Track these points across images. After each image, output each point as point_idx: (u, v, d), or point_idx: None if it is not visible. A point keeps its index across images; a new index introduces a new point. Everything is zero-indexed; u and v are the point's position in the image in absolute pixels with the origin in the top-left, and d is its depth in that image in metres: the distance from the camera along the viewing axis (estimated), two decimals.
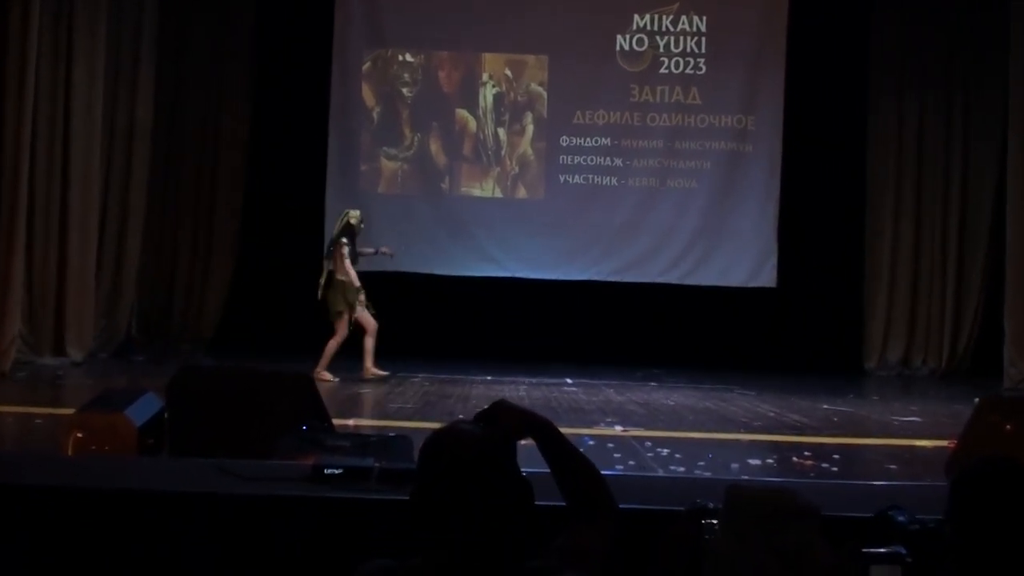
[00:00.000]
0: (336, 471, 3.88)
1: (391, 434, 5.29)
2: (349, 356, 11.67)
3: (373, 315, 11.72)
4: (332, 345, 11.52)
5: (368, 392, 10.45)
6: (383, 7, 14.85)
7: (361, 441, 4.82)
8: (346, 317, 11.53)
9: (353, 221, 11.89)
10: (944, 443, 7.79)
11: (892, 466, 6.95)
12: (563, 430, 2.63)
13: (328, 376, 11.36)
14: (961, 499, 2.55)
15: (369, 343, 11.70)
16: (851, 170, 14.94)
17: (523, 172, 14.95)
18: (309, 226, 14.55)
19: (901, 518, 2.98)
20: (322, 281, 11.68)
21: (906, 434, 8.74)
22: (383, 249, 12.38)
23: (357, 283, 11.61)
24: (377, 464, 3.94)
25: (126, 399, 5.55)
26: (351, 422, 7.89)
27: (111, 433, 5.23)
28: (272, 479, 3.87)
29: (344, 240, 11.67)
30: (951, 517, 2.56)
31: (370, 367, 11.62)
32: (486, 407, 2.49)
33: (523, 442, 2.46)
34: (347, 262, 11.55)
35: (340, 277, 11.57)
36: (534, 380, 12.15)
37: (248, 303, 14.65)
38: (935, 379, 14.39)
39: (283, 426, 5.01)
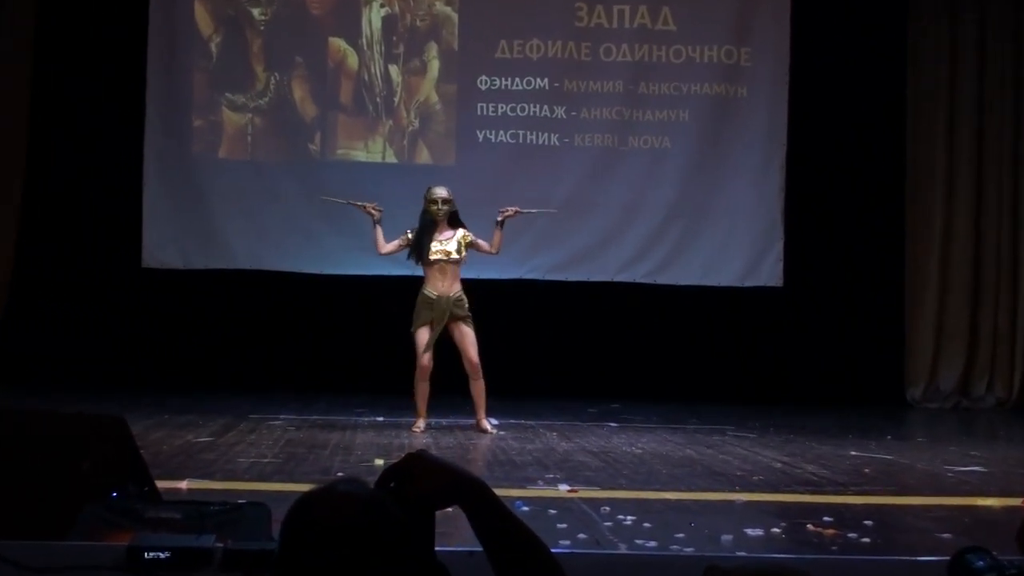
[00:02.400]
0: (162, 554, 3.84)
1: (241, 501, 5.24)
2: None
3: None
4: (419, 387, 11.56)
5: (205, 442, 10.35)
6: None
7: (197, 511, 4.76)
8: (417, 337, 11.47)
9: (425, 201, 11.66)
10: (1017, 502, 7.88)
11: (945, 535, 7.01)
12: None
13: (486, 426, 11.49)
14: None
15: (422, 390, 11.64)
16: (886, 123, 15.10)
17: (425, 127, 14.96)
18: (118, 210, 14.41)
19: (980, 563, 3.05)
20: None
21: (965, 490, 8.81)
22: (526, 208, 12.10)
23: (433, 293, 11.50)
24: (220, 544, 3.90)
25: None
26: (183, 484, 7.78)
27: None
28: (69, 567, 3.82)
29: (408, 232, 11.61)
30: None
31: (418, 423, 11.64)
32: (396, 462, 2.48)
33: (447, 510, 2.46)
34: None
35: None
36: (444, 421, 12.10)
37: (30, 319, 14.50)
38: (1003, 414, 14.60)
39: (85, 491, 4.94)
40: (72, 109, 14.61)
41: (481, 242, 11.68)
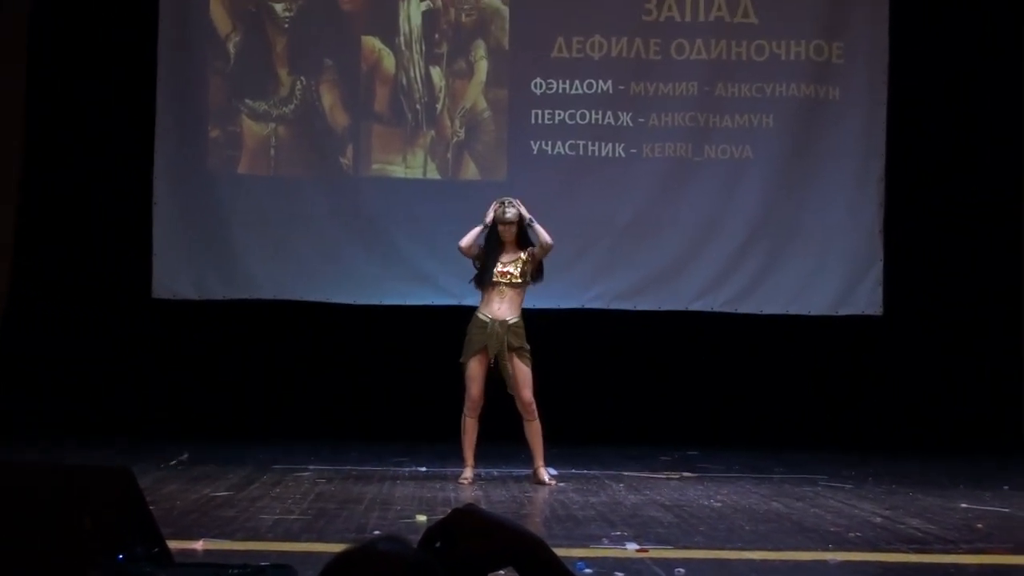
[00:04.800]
0: None
1: (264, 564, 5.28)
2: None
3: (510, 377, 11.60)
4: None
5: (223, 496, 10.40)
6: None
7: (214, 575, 4.81)
8: (468, 368, 11.56)
9: (490, 216, 11.73)
10: None
11: None
12: None
13: (544, 476, 11.57)
14: None
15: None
16: (999, 129, 15.02)
17: (472, 138, 14.99)
18: (124, 233, 14.50)
19: None
20: None
21: None
22: None
23: (486, 316, 11.58)
24: None
25: None
26: (199, 544, 7.84)
27: None
28: None
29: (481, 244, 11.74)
30: None
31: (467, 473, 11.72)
32: (442, 518, 2.49)
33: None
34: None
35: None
36: (495, 471, 12.16)
37: (26, 357, 14.60)
38: None
39: (86, 553, 4.98)
40: (65, 129, 14.70)
41: (534, 250, 11.66)
